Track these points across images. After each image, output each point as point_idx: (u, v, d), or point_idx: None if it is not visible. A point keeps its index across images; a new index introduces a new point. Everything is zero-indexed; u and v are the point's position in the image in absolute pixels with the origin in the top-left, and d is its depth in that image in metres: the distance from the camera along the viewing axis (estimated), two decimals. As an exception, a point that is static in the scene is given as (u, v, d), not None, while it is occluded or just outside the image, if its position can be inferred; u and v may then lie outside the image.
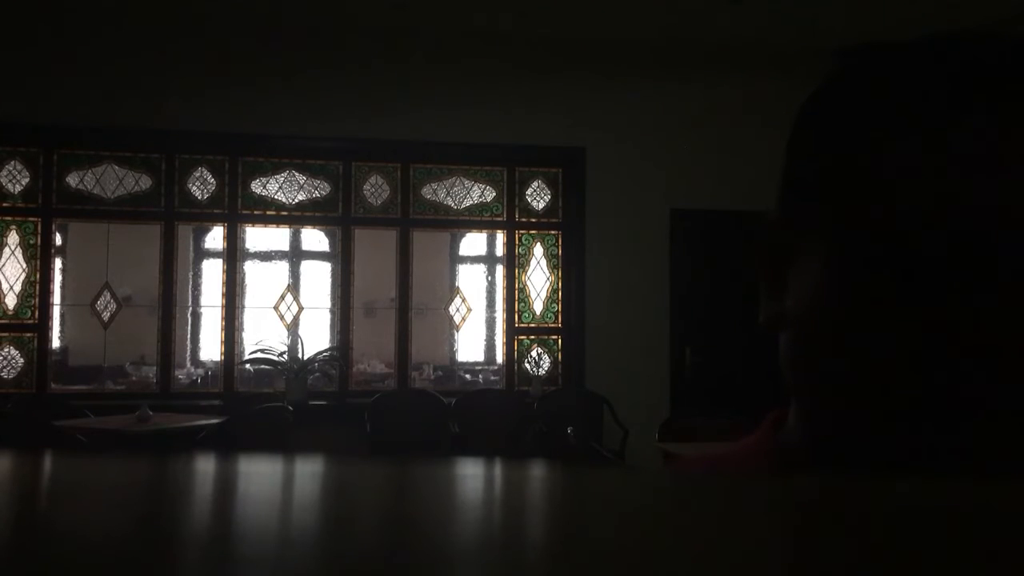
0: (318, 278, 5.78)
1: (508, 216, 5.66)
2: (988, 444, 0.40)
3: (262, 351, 5.35)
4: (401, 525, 0.17)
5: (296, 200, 5.46)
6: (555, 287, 5.67)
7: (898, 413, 0.42)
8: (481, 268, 6.76)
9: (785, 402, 0.53)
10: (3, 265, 5.17)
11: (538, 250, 5.68)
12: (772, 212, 0.50)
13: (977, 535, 0.16)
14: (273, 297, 5.55)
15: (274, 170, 5.44)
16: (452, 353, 6.15)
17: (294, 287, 5.67)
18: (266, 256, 5.69)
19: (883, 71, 0.46)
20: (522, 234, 5.68)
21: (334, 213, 5.49)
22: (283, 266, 5.90)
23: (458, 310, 5.76)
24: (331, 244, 5.66)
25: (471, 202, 5.65)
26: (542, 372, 5.60)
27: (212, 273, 5.68)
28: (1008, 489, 0.21)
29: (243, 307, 5.43)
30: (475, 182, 5.65)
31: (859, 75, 0.47)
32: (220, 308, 5.37)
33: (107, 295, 5.40)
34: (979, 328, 0.39)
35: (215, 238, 5.74)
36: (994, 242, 0.39)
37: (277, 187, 5.45)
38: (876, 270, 0.42)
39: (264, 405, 4.60)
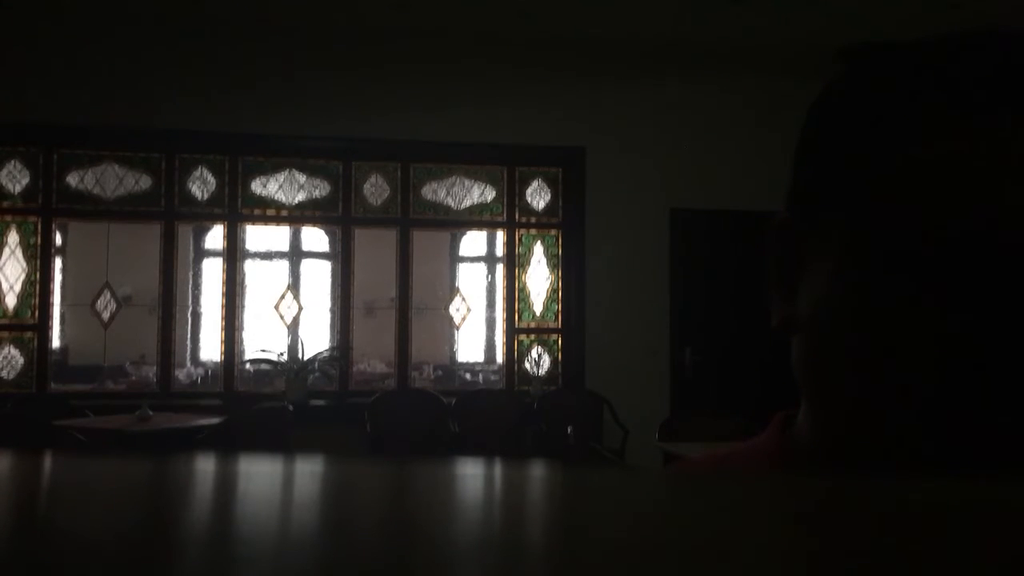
0: (318, 278, 5.78)
1: (508, 216, 5.66)
2: (1004, 447, 0.40)
3: (263, 351, 5.36)
4: (401, 525, 0.17)
5: (296, 200, 5.46)
6: (555, 287, 5.67)
7: (912, 415, 0.42)
8: (481, 268, 6.76)
9: (791, 403, 0.53)
10: (3, 265, 5.17)
11: (538, 250, 5.68)
12: (781, 215, 0.50)
13: (984, 535, 0.16)
14: (273, 297, 5.56)
15: (274, 170, 5.44)
16: (452, 353, 6.16)
17: (294, 287, 5.68)
18: (266, 256, 5.69)
19: (891, 72, 0.46)
20: (522, 234, 5.67)
21: (334, 213, 5.49)
22: (283, 266, 5.91)
23: (458, 310, 5.76)
24: (331, 244, 5.66)
25: (471, 202, 5.65)
26: (542, 372, 5.60)
27: (212, 273, 5.68)
28: (1015, 489, 0.21)
29: (243, 307, 5.43)
30: (475, 182, 5.65)
31: (867, 77, 0.47)
32: (220, 308, 5.37)
33: (107, 295, 5.40)
34: (994, 330, 0.39)
35: (215, 238, 5.74)
36: (1008, 244, 0.39)
37: (277, 187, 5.45)
38: (889, 272, 0.42)
39: (264, 405, 4.60)
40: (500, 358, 5.78)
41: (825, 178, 0.47)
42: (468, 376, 6.51)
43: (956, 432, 0.41)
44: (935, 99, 0.43)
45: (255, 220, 5.45)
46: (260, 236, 5.61)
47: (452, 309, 5.76)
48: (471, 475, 0.21)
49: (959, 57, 0.44)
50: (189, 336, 6.15)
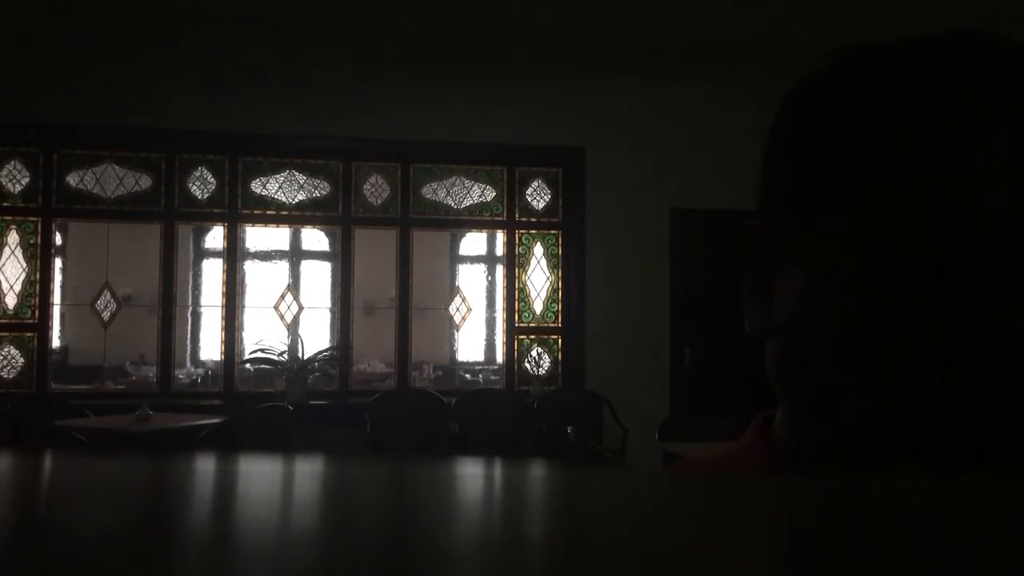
0: (318, 278, 5.78)
1: (508, 216, 5.66)
2: (984, 445, 0.40)
3: (262, 351, 5.35)
4: (401, 525, 0.17)
5: (296, 200, 5.46)
6: (555, 287, 5.67)
7: (902, 416, 0.42)
8: (481, 268, 6.76)
9: (774, 404, 0.52)
10: (3, 265, 5.17)
11: (538, 250, 5.68)
12: (753, 219, 0.50)
13: (968, 535, 0.16)
14: (273, 297, 5.56)
15: (274, 170, 5.44)
16: (452, 353, 6.16)
17: (294, 287, 5.67)
18: (266, 256, 5.69)
19: (876, 74, 0.46)
20: (522, 234, 5.68)
21: (334, 213, 5.49)
22: (283, 266, 5.91)
23: (458, 310, 5.76)
24: (331, 244, 5.66)
25: (471, 202, 5.65)
26: (542, 372, 5.60)
27: (212, 273, 5.68)
28: (1002, 489, 0.21)
29: (243, 307, 5.43)
30: (475, 182, 5.65)
31: (841, 76, 0.47)
32: (220, 308, 5.37)
33: (107, 295, 5.40)
34: (987, 331, 0.39)
35: (215, 238, 5.74)
36: (998, 242, 0.39)
37: (277, 187, 5.45)
38: (876, 275, 0.42)
39: (264, 405, 4.60)
40: (500, 358, 5.78)
41: (805, 181, 0.46)
42: (468, 376, 6.51)
43: (947, 433, 0.41)
44: (915, 102, 0.43)
45: (255, 220, 5.45)
46: (260, 236, 5.61)
47: (452, 309, 5.76)
48: (471, 475, 0.21)
49: (952, 57, 0.44)
50: (189, 336, 6.15)
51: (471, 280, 6.62)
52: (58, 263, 5.50)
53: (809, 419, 0.48)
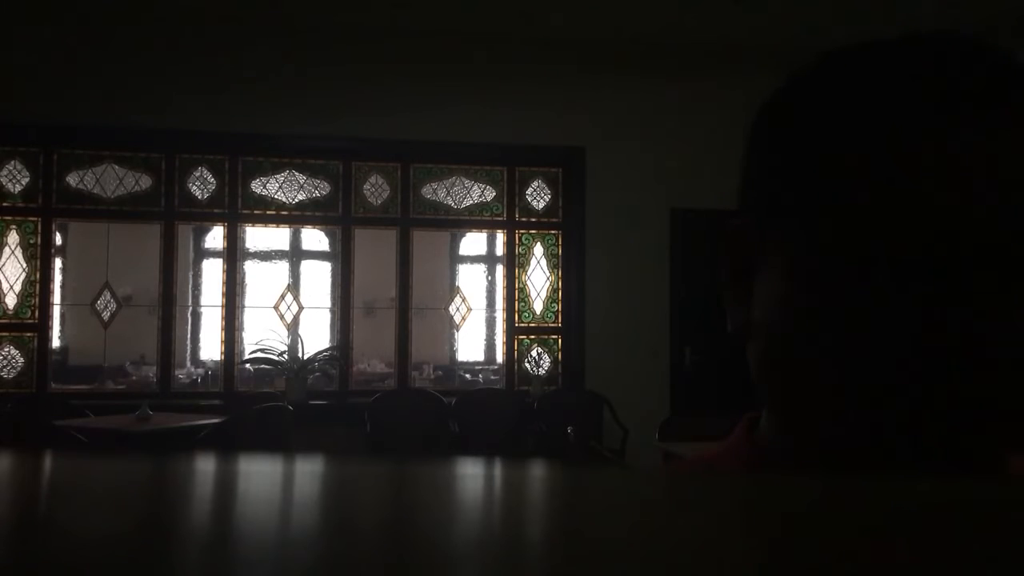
0: (318, 278, 5.78)
1: (508, 216, 5.66)
2: (956, 444, 0.40)
3: (262, 351, 5.35)
4: (401, 525, 0.17)
5: (296, 200, 5.46)
6: (555, 287, 5.67)
7: (882, 415, 0.42)
8: (481, 268, 6.77)
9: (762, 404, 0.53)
10: (3, 265, 5.17)
11: (538, 250, 5.68)
12: (734, 220, 0.50)
13: (966, 535, 0.16)
14: (273, 297, 5.56)
15: (274, 170, 5.44)
16: (452, 353, 6.16)
17: (294, 287, 5.67)
18: (266, 256, 5.69)
19: (863, 70, 0.46)
20: (522, 234, 5.67)
21: (334, 213, 5.49)
22: (283, 266, 5.90)
23: (458, 310, 5.76)
24: (331, 244, 5.66)
25: (471, 202, 5.65)
26: (542, 372, 5.60)
27: (212, 273, 5.68)
28: (1002, 488, 0.21)
29: (243, 307, 5.43)
30: (475, 182, 5.65)
31: (836, 75, 0.47)
32: (220, 308, 5.37)
33: (107, 295, 5.40)
34: (964, 331, 0.39)
35: (215, 238, 5.74)
36: (973, 244, 0.39)
37: (277, 187, 5.45)
38: (855, 275, 0.41)
39: (264, 405, 4.60)
40: (500, 358, 5.78)
41: (788, 181, 0.46)
42: (468, 376, 6.52)
43: (946, 433, 0.41)
44: (925, 100, 0.42)
45: (255, 220, 5.45)
46: (260, 236, 5.60)
47: (452, 309, 5.76)
48: (471, 475, 0.21)
49: (951, 57, 0.44)
50: (189, 336, 6.15)
51: (471, 280, 6.62)
52: (58, 263, 5.50)
53: (792, 419, 0.48)
